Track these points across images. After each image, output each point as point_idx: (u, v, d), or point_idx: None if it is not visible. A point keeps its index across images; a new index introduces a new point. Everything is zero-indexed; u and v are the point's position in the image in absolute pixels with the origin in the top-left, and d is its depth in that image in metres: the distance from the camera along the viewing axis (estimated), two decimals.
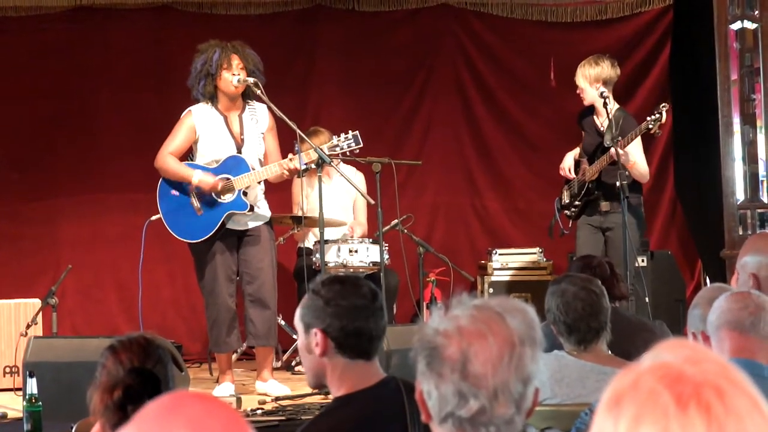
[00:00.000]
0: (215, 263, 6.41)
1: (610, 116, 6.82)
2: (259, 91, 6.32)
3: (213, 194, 6.37)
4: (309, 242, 7.43)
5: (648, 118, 6.76)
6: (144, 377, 2.67)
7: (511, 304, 1.93)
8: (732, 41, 7.84)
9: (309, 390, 6.16)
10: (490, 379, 1.84)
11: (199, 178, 6.35)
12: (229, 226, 6.43)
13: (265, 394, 6.35)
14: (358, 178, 7.59)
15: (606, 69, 7.01)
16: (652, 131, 6.81)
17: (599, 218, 7.09)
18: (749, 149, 7.87)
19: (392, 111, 8.83)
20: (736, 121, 7.84)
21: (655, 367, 1.26)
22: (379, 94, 8.77)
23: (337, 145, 6.46)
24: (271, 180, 6.50)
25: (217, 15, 8.53)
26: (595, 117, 7.15)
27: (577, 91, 7.08)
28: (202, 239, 6.40)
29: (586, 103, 7.07)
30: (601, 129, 7.05)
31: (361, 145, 6.46)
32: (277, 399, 6.18)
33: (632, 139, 6.81)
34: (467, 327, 1.87)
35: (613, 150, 6.70)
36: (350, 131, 6.47)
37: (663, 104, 6.82)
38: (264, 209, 6.57)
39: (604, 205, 7.05)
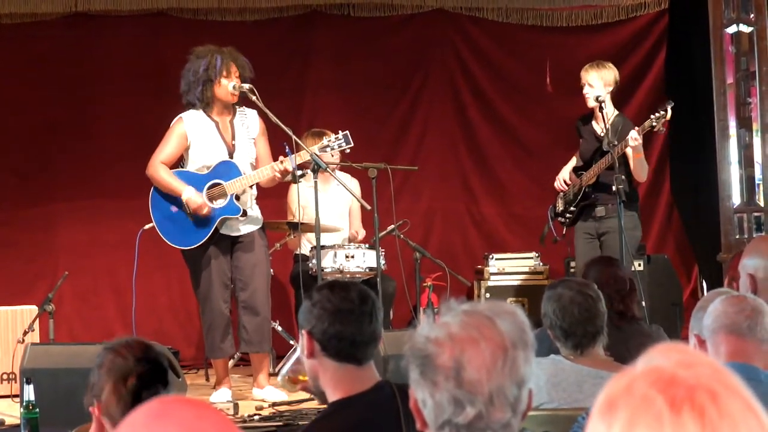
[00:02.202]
0: (210, 269, 6.40)
1: (608, 122, 6.77)
2: (254, 98, 6.30)
3: (205, 200, 6.35)
4: (305, 248, 7.42)
5: (651, 116, 6.71)
6: (154, 365, 2.69)
7: (501, 308, 1.92)
8: (727, 45, 7.86)
9: (306, 395, 6.15)
10: (485, 384, 1.84)
11: (188, 195, 6.33)
12: (223, 231, 6.41)
13: (262, 401, 6.34)
14: (353, 184, 7.58)
15: (615, 73, 6.96)
16: (656, 129, 6.75)
17: (595, 224, 7.04)
18: (745, 153, 7.89)
19: (388, 116, 8.82)
20: (732, 124, 7.86)
21: (648, 372, 1.25)
22: (374, 100, 8.76)
23: (328, 146, 6.45)
24: (262, 184, 6.49)
25: (212, 21, 8.52)
26: (593, 123, 7.10)
27: (585, 92, 6.89)
28: (196, 245, 6.39)
29: (593, 104, 6.92)
30: (601, 135, 7.00)
31: (352, 145, 6.44)
32: (274, 405, 6.17)
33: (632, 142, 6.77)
34: (458, 334, 1.87)
35: (611, 153, 6.66)
36: (340, 131, 6.46)
37: (669, 101, 6.77)
38: (256, 213, 6.55)
39: (599, 210, 7.00)
